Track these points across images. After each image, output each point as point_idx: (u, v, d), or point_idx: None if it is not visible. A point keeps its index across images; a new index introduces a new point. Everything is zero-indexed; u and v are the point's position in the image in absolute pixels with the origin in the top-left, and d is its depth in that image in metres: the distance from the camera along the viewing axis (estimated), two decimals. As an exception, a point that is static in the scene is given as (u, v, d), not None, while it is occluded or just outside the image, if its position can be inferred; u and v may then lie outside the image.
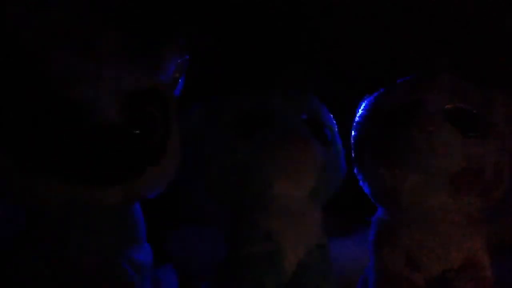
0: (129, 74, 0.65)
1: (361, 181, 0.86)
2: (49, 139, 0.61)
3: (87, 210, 0.65)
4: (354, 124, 0.89)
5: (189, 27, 0.87)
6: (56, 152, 0.61)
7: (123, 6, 0.75)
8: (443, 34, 0.99)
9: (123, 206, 0.67)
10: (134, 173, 0.64)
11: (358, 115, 0.89)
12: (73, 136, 0.61)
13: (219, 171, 0.78)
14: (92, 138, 0.61)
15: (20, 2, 0.64)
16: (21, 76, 0.62)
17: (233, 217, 0.78)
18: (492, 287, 0.80)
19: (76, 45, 0.65)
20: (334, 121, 0.86)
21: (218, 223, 0.79)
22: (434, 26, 0.98)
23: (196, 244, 0.79)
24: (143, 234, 0.71)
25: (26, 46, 0.63)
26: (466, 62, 0.93)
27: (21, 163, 0.61)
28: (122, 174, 0.63)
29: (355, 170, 0.86)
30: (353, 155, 0.87)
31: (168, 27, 0.80)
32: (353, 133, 0.88)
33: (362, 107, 0.88)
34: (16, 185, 0.63)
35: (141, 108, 0.64)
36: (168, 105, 0.69)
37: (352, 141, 0.88)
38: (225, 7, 0.97)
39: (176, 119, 0.71)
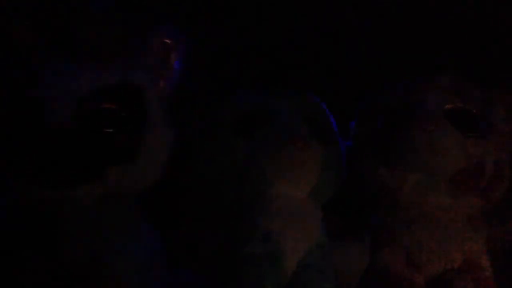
0: (91, 72, 0.63)
1: (361, 181, 0.86)
2: (12, 141, 0.61)
3: (71, 211, 0.65)
4: (354, 123, 0.89)
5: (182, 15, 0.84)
6: (20, 154, 0.61)
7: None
8: (444, 34, 0.99)
9: (110, 203, 0.67)
10: (96, 173, 0.63)
11: (358, 114, 0.89)
12: (32, 137, 0.61)
13: (219, 171, 0.78)
14: (47, 140, 0.60)
15: None
16: None
17: (233, 217, 0.78)
18: (492, 287, 0.80)
19: (38, 43, 0.64)
20: (334, 121, 0.86)
21: (218, 223, 0.79)
22: (434, 26, 0.98)
23: (195, 244, 0.79)
24: (144, 232, 0.70)
25: None
26: (466, 62, 0.93)
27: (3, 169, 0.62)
28: (81, 175, 0.63)
29: (355, 170, 0.86)
30: (352, 155, 0.86)
31: (153, 16, 0.75)
32: (353, 133, 0.88)
33: (362, 107, 0.88)
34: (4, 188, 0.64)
35: (101, 107, 0.62)
36: (145, 101, 0.66)
37: (352, 141, 0.88)
38: (225, 7, 0.97)
39: (163, 114, 0.68)
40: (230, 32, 0.98)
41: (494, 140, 0.82)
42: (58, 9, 0.66)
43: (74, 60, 0.64)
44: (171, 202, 0.81)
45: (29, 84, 0.62)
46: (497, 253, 0.84)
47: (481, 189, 0.82)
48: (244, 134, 0.78)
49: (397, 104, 0.83)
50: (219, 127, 0.79)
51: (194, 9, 0.96)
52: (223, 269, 0.75)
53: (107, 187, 0.65)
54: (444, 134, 0.79)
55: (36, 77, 0.62)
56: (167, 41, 0.69)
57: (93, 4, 0.67)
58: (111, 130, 0.62)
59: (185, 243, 0.79)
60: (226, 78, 0.96)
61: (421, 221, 0.82)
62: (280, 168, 0.76)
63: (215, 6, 0.97)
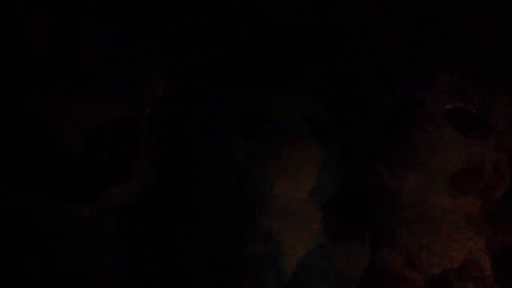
0: (96, 107, 0.72)
1: (361, 181, 0.86)
2: (26, 166, 0.69)
3: (69, 222, 0.73)
4: (354, 123, 0.89)
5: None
6: (33, 175, 0.70)
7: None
8: (444, 34, 0.99)
9: (98, 219, 0.75)
10: (98, 193, 0.72)
11: (358, 114, 0.89)
12: (44, 163, 0.69)
13: (219, 171, 0.78)
14: (60, 166, 0.69)
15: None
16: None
17: (233, 217, 0.78)
18: (492, 287, 0.80)
19: (45, 81, 0.72)
20: (334, 121, 0.86)
21: (218, 223, 0.79)
22: (434, 25, 0.99)
23: (195, 244, 0.79)
24: (118, 245, 0.76)
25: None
26: (466, 62, 0.93)
27: (8, 181, 0.70)
28: (87, 194, 0.72)
29: (355, 170, 0.86)
30: (352, 155, 0.86)
31: (147, 54, 0.85)
32: (353, 132, 0.88)
33: (362, 107, 0.88)
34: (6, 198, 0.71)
35: (105, 138, 0.71)
36: (137, 130, 0.75)
37: (352, 140, 0.88)
38: (225, 8, 0.97)
39: (149, 139, 0.77)
40: (230, 32, 0.98)
41: (494, 140, 0.82)
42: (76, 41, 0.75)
43: (85, 92, 0.73)
44: (171, 202, 0.81)
45: (40, 120, 0.69)
46: (497, 253, 0.84)
47: (481, 189, 0.82)
48: (244, 134, 0.78)
49: (397, 104, 0.83)
50: (219, 127, 0.79)
51: (194, 8, 0.96)
52: (223, 269, 0.75)
53: (104, 204, 0.74)
54: (444, 134, 0.79)
55: (46, 115, 0.69)
56: (157, 80, 0.80)
57: (106, 41, 0.77)
58: (110, 155, 0.71)
59: (185, 243, 0.79)
60: (226, 78, 0.96)
61: (421, 221, 0.81)
62: (280, 168, 0.76)
63: (215, 6, 0.97)
